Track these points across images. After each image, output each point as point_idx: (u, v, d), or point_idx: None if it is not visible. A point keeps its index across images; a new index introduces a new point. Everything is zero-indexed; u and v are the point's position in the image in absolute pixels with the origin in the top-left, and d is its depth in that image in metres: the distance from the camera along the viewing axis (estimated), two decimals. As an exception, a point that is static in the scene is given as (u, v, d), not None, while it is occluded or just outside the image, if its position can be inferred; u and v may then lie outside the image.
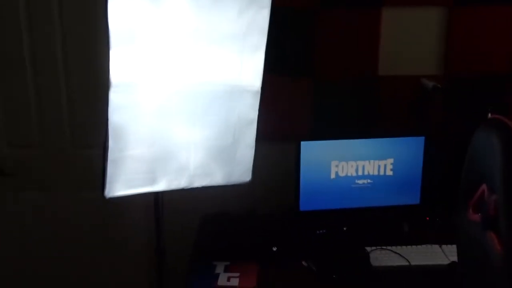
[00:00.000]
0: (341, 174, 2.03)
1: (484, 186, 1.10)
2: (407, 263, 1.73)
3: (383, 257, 1.76)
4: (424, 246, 1.85)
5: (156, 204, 1.62)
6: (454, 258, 1.66)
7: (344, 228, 1.99)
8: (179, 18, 1.34)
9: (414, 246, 1.84)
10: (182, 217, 2.14)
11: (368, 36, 2.16)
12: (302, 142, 1.97)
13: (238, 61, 1.48)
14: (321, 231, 1.94)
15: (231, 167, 1.59)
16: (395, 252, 1.79)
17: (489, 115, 1.87)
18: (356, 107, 2.22)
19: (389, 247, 1.81)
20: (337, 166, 2.02)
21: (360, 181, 2.05)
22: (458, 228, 1.24)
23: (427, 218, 2.09)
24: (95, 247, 2.30)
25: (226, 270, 1.72)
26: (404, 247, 1.85)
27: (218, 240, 1.93)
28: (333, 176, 2.03)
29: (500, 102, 2.16)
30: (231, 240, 1.89)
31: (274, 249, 1.79)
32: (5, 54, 2.11)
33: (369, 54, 2.17)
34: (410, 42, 2.19)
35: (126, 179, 1.41)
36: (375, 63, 2.20)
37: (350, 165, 2.03)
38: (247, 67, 1.50)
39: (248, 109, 1.55)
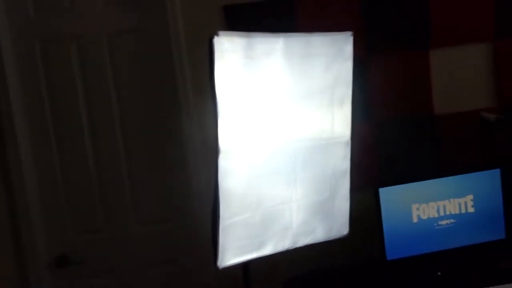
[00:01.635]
0: (423, 216, 1.98)
1: None
2: (521, 302, 1.64)
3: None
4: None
5: (246, 272, 1.53)
6: None
7: (439, 273, 1.91)
8: (275, 78, 1.36)
9: (517, 283, 1.76)
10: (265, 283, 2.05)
11: (420, 77, 2.20)
12: (380, 189, 1.94)
13: (329, 114, 1.49)
14: (418, 278, 1.86)
15: (331, 221, 1.55)
16: (505, 292, 1.71)
17: None
18: (416, 148, 2.21)
19: (498, 286, 1.73)
20: (417, 209, 1.98)
21: (443, 222, 2.00)
22: None
23: (517, 252, 2.02)
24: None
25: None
26: (506, 285, 1.77)
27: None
28: (415, 220, 1.98)
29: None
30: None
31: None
32: (65, 138, 2.13)
33: (423, 94, 2.20)
34: (461, 79, 2.23)
35: (236, 246, 1.36)
36: (430, 102, 2.22)
37: (431, 206, 1.99)
38: (337, 118, 1.50)
39: (342, 160, 1.54)
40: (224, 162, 1.29)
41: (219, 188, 1.30)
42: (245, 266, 1.51)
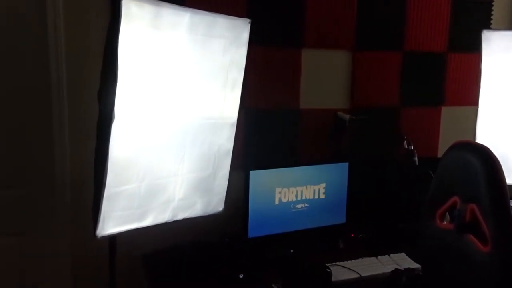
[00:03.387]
0: (284, 199, 2.18)
1: (455, 198, 1.35)
2: (358, 275, 1.94)
3: (336, 273, 1.93)
4: (362, 259, 2.08)
5: (112, 244, 1.51)
6: (392, 267, 1.94)
7: (291, 251, 2.13)
8: (177, 53, 1.36)
9: (355, 260, 2.07)
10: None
11: (291, 73, 2.39)
12: (250, 171, 2.07)
13: (221, 95, 1.54)
14: (274, 254, 2.04)
15: (209, 198, 1.62)
16: (345, 267, 1.99)
17: (405, 140, 2.23)
18: (282, 138, 2.41)
19: (338, 263, 2.00)
20: (280, 192, 2.17)
21: (299, 205, 2.23)
22: (425, 236, 1.48)
23: (352, 235, 2.36)
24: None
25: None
26: (351, 261, 2.05)
27: (174, 274, 1.87)
28: (277, 202, 2.16)
29: (397, 127, 2.58)
30: (189, 273, 1.86)
31: (241, 276, 1.83)
32: None
33: (293, 89, 2.40)
34: (324, 80, 2.49)
35: (119, 215, 1.34)
36: (297, 97, 2.43)
37: (291, 191, 2.19)
38: (228, 101, 1.57)
39: (226, 141, 1.61)
40: (117, 130, 1.25)
41: (108, 156, 1.26)
42: (112, 238, 1.48)
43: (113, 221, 1.33)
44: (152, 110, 1.34)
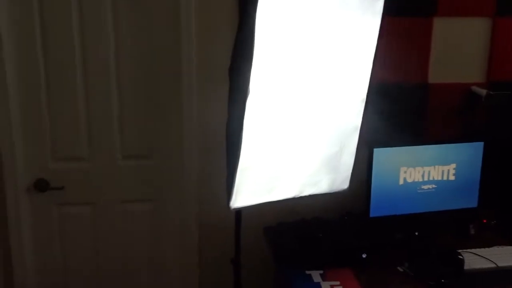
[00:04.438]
0: (409, 180, 2.07)
1: None
2: (494, 265, 1.78)
3: (468, 260, 1.79)
4: (496, 247, 1.91)
5: (238, 217, 1.55)
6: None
7: (416, 233, 2.02)
8: (314, 23, 1.32)
9: (488, 248, 1.90)
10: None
11: (420, 44, 2.21)
12: (375, 149, 1.99)
13: (351, 69, 1.48)
14: (396, 236, 1.96)
15: (335, 175, 1.59)
16: (478, 255, 1.84)
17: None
18: (409, 114, 2.26)
19: (468, 250, 1.86)
20: (405, 172, 2.06)
21: (426, 186, 2.10)
22: None
23: (484, 221, 2.17)
24: (140, 262, 2.22)
25: (324, 278, 1.70)
26: (483, 249, 1.90)
27: (295, 249, 1.89)
28: (401, 182, 2.06)
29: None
30: (311, 248, 1.86)
31: (364, 256, 1.79)
32: (55, 61, 1.99)
33: (422, 60, 2.23)
34: (458, 51, 2.28)
35: (250, 189, 1.37)
36: (426, 69, 2.25)
37: (417, 170, 2.07)
38: (358, 76, 1.50)
39: (355, 117, 1.55)
40: (253, 105, 1.27)
41: (242, 130, 1.28)
42: (238, 211, 1.52)
43: (245, 193, 1.37)
44: (284, 85, 1.33)
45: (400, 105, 2.22)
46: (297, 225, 2.00)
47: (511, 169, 2.22)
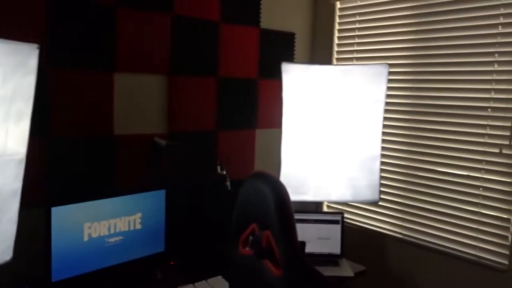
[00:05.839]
0: (94, 235, 2.03)
1: (253, 225, 1.42)
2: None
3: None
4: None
5: None
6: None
7: (103, 290, 1.99)
8: None
9: (173, 290, 2.03)
10: None
11: (104, 97, 2.27)
12: (53, 208, 1.88)
13: (3, 129, 1.35)
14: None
15: (-8, 247, 1.40)
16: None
17: (218, 165, 2.29)
18: (93, 166, 2.26)
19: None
20: (89, 227, 2.02)
21: (113, 239, 2.10)
22: (232, 262, 1.52)
23: (172, 263, 2.32)
24: None
25: None
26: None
27: None
28: (86, 238, 2.00)
29: (214, 153, 2.65)
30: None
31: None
32: None
33: (105, 114, 2.27)
34: (140, 105, 2.43)
35: None
36: (111, 122, 2.31)
37: (103, 224, 2.06)
38: (12, 135, 1.39)
39: (12, 180, 1.42)
40: None
41: None
42: None
43: None
44: None
45: (86, 158, 2.18)
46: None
47: (190, 212, 2.45)
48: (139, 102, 2.41)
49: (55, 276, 1.90)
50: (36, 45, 1.43)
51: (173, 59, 2.47)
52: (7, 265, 1.60)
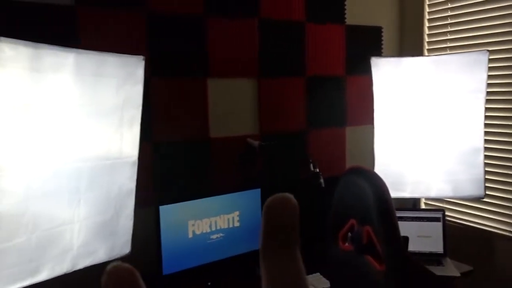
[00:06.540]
0: (197, 232, 2.15)
1: (352, 221, 1.41)
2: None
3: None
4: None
5: None
6: None
7: (209, 283, 2.09)
8: (63, 95, 1.31)
9: None
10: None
11: (198, 103, 2.39)
12: (160, 207, 2.02)
13: (118, 134, 1.50)
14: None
15: (113, 241, 1.55)
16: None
17: (311, 163, 2.31)
18: (192, 168, 2.39)
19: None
20: (193, 225, 2.14)
21: (214, 236, 2.21)
22: (330, 258, 1.52)
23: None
24: None
25: None
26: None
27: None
28: (190, 235, 2.13)
29: (305, 151, 2.67)
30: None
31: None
32: None
33: (200, 118, 2.40)
34: (233, 108, 2.53)
35: (7, 274, 1.24)
36: (206, 126, 2.43)
37: (205, 222, 2.17)
38: (126, 139, 1.53)
39: (128, 180, 1.56)
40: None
41: (-10, 211, 1.17)
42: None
43: (1, 280, 1.22)
44: (36, 157, 1.26)
45: (185, 160, 2.32)
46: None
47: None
48: (231, 105, 2.51)
49: (166, 270, 2.05)
50: (142, 57, 1.56)
51: (262, 61, 2.53)
52: (123, 260, 1.76)
